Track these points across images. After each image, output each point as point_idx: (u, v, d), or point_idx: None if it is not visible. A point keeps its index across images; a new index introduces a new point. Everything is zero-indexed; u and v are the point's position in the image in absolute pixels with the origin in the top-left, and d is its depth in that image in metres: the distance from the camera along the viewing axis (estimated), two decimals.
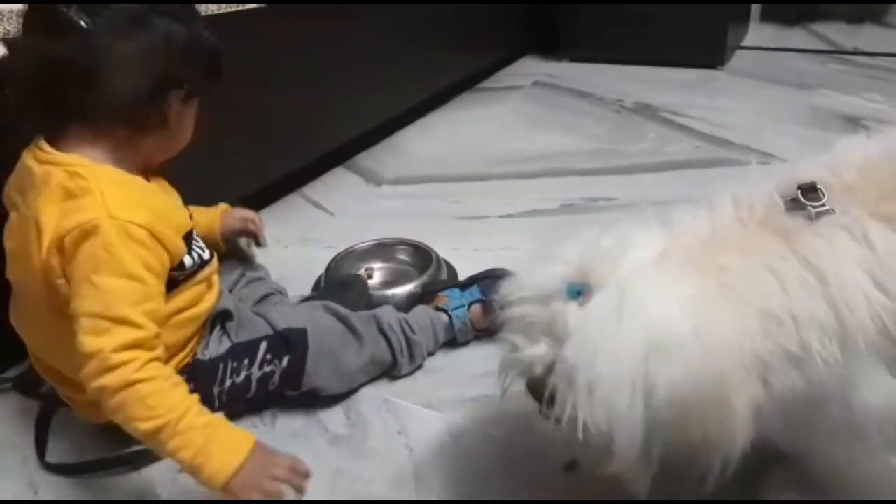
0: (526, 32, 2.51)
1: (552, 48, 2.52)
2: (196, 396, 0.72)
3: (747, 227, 0.61)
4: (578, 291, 0.55)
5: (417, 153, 1.76)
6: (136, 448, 0.82)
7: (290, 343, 0.87)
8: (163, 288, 0.76)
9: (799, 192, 0.60)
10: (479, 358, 1.00)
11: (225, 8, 1.23)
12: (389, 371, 0.95)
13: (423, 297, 1.05)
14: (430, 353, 0.99)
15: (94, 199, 0.71)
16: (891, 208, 0.59)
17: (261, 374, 0.86)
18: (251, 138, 1.35)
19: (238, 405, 0.87)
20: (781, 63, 2.38)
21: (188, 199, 1.08)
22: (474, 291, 1.03)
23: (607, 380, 0.52)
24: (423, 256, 1.20)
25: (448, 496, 0.79)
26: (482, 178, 1.59)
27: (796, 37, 2.69)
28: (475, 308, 1.01)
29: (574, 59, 2.46)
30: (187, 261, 0.81)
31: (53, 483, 0.82)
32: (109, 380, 0.68)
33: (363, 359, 0.92)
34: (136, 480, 0.82)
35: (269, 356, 0.86)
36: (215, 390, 0.84)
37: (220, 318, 0.88)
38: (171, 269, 0.78)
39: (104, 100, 0.71)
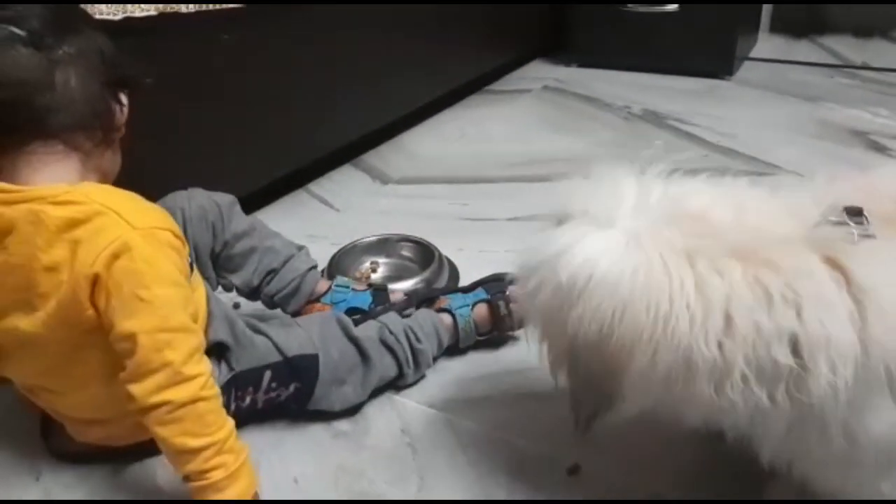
0: (536, 36, 2.51)
1: (562, 53, 2.52)
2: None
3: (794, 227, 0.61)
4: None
5: (425, 153, 1.76)
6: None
7: (298, 371, 0.85)
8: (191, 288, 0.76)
9: (845, 213, 0.60)
10: (484, 359, 1.00)
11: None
12: (395, 382, 0.93)
13: (423, 303, 1.04)
14: (434, 359, 0.97)
15: (109, 218, 0.68)
16: None
17: (266, 398, 0.85)
18: (258, 134, 1.35)
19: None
20: (789, 75, 2.38)
21: None
22: (479, 293, 1.01)
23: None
24: (425, 253, 1.20)
25: (450, 496, 0.79)
26: (489, 181, 1.59)
27: (804, 49, 2.69)
28: (480, 308, 0.99)
29: (583, 65, 2.46)
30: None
31: (55, 471, 0.82)
32: (177, 394, 0.67)
33: (370, 383, 0.90)
34: (137, 470, 0.82)
35: (274, 384, 0.85)
36: None
37: (214, 350, 0.82)
38: None
39: (70, 109, 0.69)
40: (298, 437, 0.87)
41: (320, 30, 1.46)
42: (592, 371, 0.61)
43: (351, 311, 0.99)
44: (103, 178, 0.76)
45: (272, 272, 0.99)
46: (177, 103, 1.13)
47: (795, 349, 0.56)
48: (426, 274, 1.14)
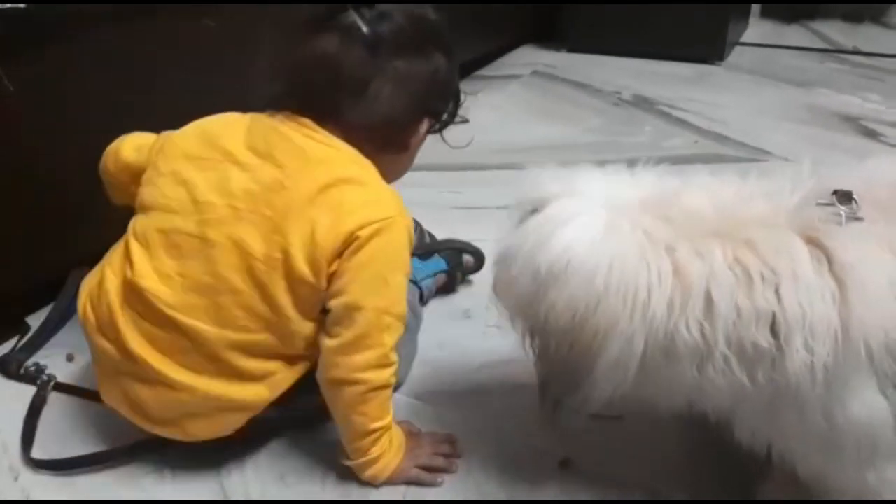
0: (525, 21, 2.48)
1: (551, 38, 2.49)
2: None
3: (776, 211, 0.61)
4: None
5: None
6: (121, 446, 0.80)
7: None
8: None
9: (834, 197, 0.61)
10: (472, 351, 0.99)
11: None
12: None
13: None
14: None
15: (387, 197, 0.72)
16: None
17: None
18: None
19: None
20: (780, 60, 2.37)
21: None
22: (439, 262, 1.07)
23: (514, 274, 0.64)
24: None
25: (440, 491, 0.78)
26: (479, 168, 1.57)
27: (795, 34, 2.68)
28: (440, 277, 1.08)
29: (573, 50, 2.44)
30: None
31: (35, 470, 0.80)
32: (378, 376, 0.71)
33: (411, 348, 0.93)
34: (119, 471, 0.80)
35: None
36: None
37: None
38: None
39: (367, 112, 0.73)
40: (286, 433, 0.85)
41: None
42: (563, 357, 0.62)
43: None
44: None
45: None
46: (169, 89, 1.10)
47: (773, 329, 0.57)
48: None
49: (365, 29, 0.70)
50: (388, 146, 0.77)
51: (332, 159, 0.72)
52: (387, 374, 0.72)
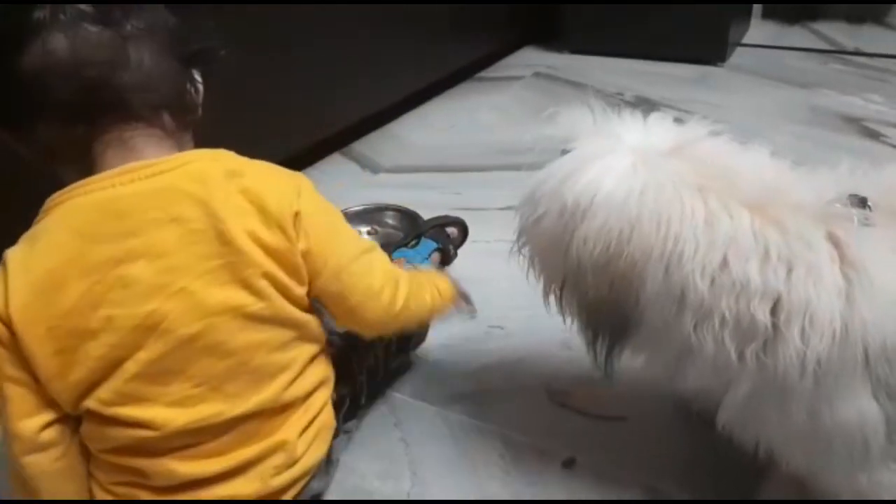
0: (526, 23, 2.49)
1: (552, 39, 2.49)
2: None
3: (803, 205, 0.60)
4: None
5: (415, 142, 1.74)
6: None
7: None
8: None
9: (848, 201, 0.61)
10: (476, 352, 0.99)
11: None
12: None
13: None
14: None
15: (269, 168, 0.69)
16: None
17: None
18: (245, 122, 1.32)
19: None
20: (782, 61, 2.37)
21: None
22: (429, 244, 1.10)
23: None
24: (410, 221, 1.24)
25: (443, 490, 0.78)
26: (481, 169, 1.58)
27: (797, 35, 2.68)
28: (434, 256, 1.11)
29: (574, 51, 2.44)
30: None
31: None
32: (403, 295, 0.73)
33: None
34: None
35: None
36: None
37: None
38: None
39: (147, 86, 0.62)
40: None
41: (307, 18, 1.43)
42: (602, 296, 0.60)
43: None
44: None
45: None
46: None
47: (775, 310, 0.57)
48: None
49: (85, 7, 0.58)
50: (186, 114, 0.67)
51: (199, 174, 0.63)
52: (405, 287, 0.74)
